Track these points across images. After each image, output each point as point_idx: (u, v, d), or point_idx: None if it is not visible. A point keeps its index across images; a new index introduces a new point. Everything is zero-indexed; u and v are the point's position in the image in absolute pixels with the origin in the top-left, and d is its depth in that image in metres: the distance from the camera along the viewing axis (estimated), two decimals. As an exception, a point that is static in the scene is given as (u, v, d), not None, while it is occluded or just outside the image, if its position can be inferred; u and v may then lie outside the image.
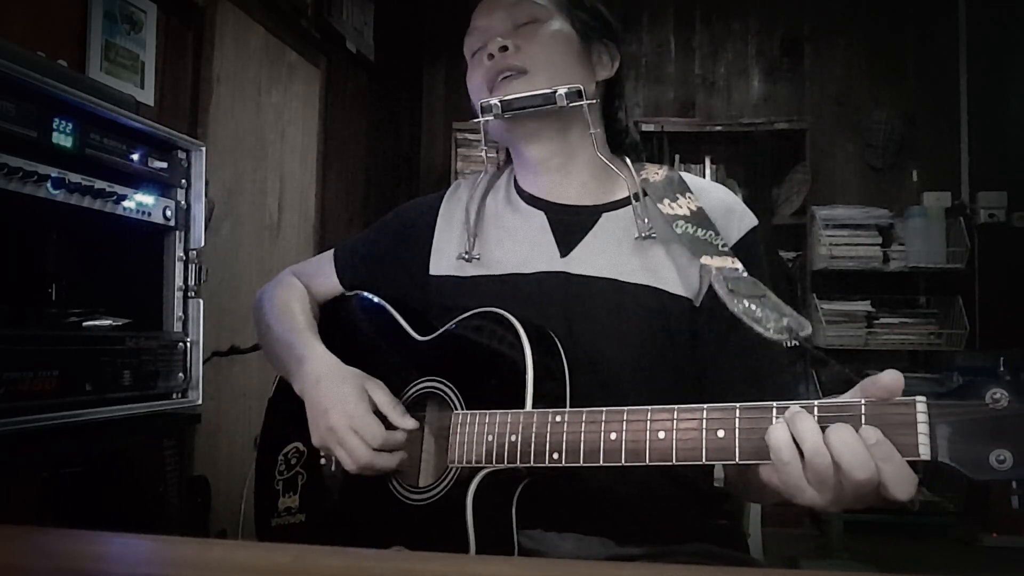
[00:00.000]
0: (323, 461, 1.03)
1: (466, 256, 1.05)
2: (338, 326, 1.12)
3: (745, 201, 1.08)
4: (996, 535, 3.13)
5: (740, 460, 0.71)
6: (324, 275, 1.18)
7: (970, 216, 3.73)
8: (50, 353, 1.19)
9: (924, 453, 0.65)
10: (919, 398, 0.66)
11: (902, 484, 0.65)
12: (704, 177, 3.74)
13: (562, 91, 0.98)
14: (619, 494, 0.92)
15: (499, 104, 1.00)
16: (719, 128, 3.86)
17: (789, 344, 0.83)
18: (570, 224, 1.04)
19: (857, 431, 0.66)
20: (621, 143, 1.12)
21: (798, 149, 3.76)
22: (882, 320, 3.65)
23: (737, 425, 0.72)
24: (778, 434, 0.69)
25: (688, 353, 0.98)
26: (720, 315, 0.90)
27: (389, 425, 0.93)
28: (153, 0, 2.09)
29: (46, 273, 1.44)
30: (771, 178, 3.87)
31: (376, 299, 1.11)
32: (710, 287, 0.94)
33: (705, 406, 0.74)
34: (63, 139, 1.24)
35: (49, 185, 1.21)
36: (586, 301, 0.98)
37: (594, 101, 1.03)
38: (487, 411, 0.86)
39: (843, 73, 4.00)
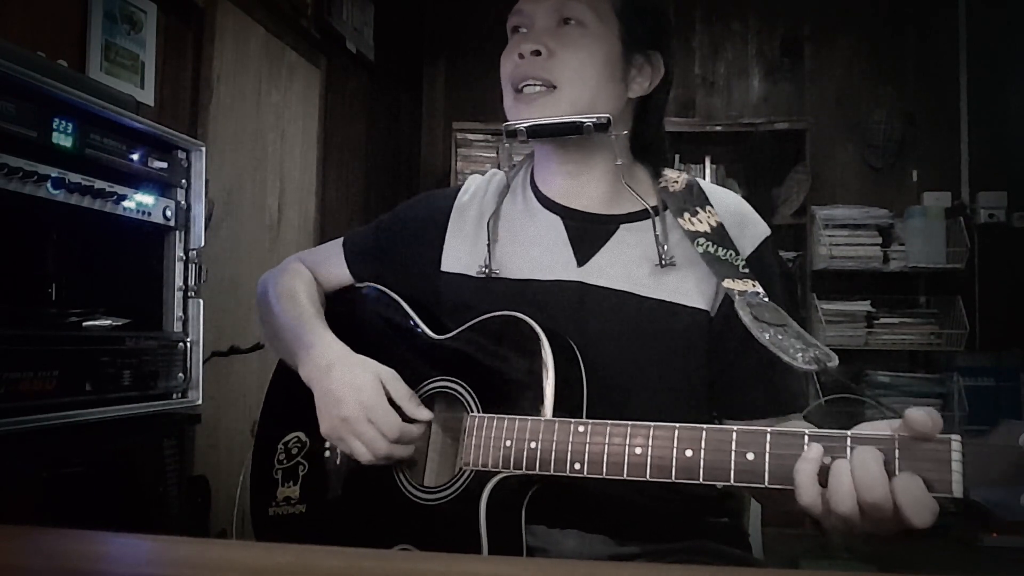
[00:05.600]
0: (327, 453, 1.02)
1: (486, 270, 1.03)
2: (347, 317, 1.10)
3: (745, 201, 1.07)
4: (996, 535, 3.13)
5: (769, 484, 0.71)
6: (333, 264, 1.16)
7: (970, 216, 3.73)
8: (50, 353, 1.19)
9: (957, 491, 0.65)
10: (954, 436, 0.66)
11: (921, 511, 0.65)
12: (704, 177, 3.74)
13: (590, 122, 0.96)
14: (620, 493, 0.91)
15: (524, 130, 0.98)
16: (719, 128, 3.86)
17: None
18: (587, 232, 1.02)
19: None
20: (646, 150, 1.08)
21: (798, 149, 3.76)
22: (882, 320, 3.65)
23: (768, 449, 0.72)
24: (809, 497, 0.69)
25: (702, 362, 0.98)
26: (735, 325, 0.90)
27: (404, 417, 0.92)
28: (153, 0, 2.09)
29: (46, 273, 1.44)
30: (771, 178, 3.87)
31: (389, 292, 1.09)
32: (726, 298, 0.94)
33: (735, 428, 0.74)
34: (63, 139, 1.24)
35: (49, 185, 1.21)
36: (602, 313, 0.97)
37: (624, 132, 1.02)
38: (505, 416, 0.86)
39: (843, 73, 4.00)
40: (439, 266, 1.08)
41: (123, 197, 1.36)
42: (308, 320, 1.05)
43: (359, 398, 0.92)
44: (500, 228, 1.06)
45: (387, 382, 0.94)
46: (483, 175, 1.15)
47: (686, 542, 0.96)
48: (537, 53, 0.99)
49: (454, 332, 0.98)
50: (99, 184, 1.30)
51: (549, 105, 0.98)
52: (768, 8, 4.08)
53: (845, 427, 0.71)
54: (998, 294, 3.67)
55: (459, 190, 1.14)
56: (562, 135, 0.98)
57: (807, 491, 0.69)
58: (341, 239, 1.19)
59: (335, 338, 1.01)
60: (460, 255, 1.07)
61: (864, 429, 0.71)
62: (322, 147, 3.13)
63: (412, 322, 1.04)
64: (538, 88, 0.99)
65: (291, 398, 1.04)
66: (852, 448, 0.69)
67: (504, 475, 0.85)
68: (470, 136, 3.80)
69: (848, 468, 0.68)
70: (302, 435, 1.06)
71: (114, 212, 1.35)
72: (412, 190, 4.10)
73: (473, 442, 0.87)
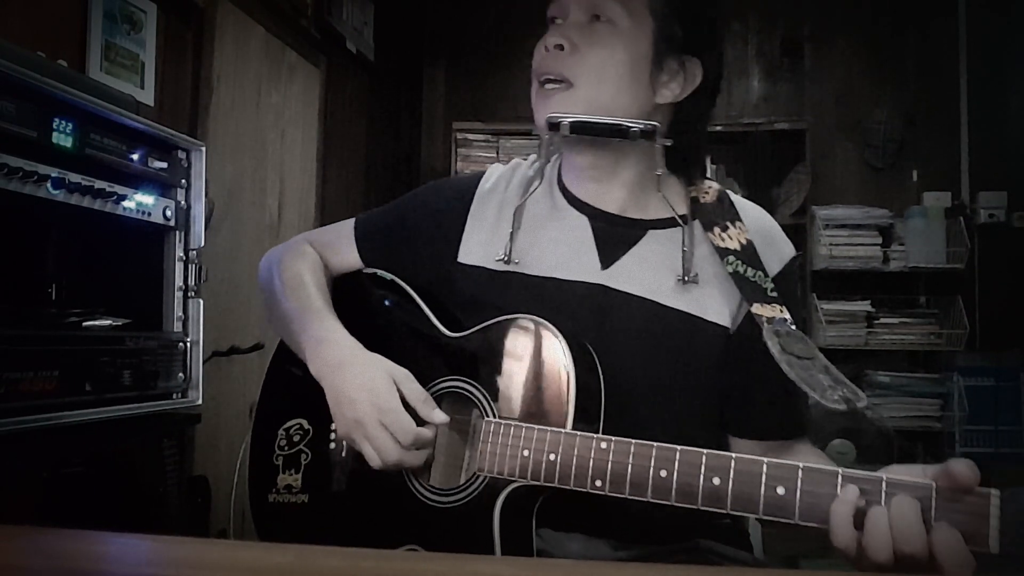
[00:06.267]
0: (332, 444, 1.00)
1: (505, 259, 1.00)
2: (354, 306, 1.06)
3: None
4: (996, 535, 3.12)
5: (800, 521, 0.70)
6: (343, 247, 1.12)
7: (970, 216, 3.73)
8: (50, 353, 1.19)
9: (994, 547, 0.65)
10: (994, 491, 0.65)
11: (960, 566, 0.64)
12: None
13: (637, 128, 0.94)
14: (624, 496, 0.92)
15: (568, 125, 0.95)
16: (719, 128, 3.84)
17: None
18: (614, 235, 1.00)
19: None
20: (680, 158, 1.04)
21: (798, 149, 3.76)
22: (882, 320, 3.65)
23: (800, 486, 0.71)
24: (844, 540, 0.68)
25: (717, 377, 0.97)
26: (755, 345, 0.89)
27: (418, 419, 0.90)
28: (153, 0, 2.09)
29: (46, 273, 1.44)
30: (771, 178, 3.87)
31: (399, 282, 1.06)
32: (748, 315, 0.93)
33: (765, 460, 0.73)
34: (63, 139, 1.24)
35: (49, 185, 1.21)
36: (622, 319, 0.96)
37: (668, 143, 0.98)
38: (523, 424, 0.85)
39: (843, 73, 4.00)
40: (456, 257, 1.05)
41: (123, 197, 1.36)
42: (317, 311, 1.02)
43: (373, 400, 0.89)
44: (524, 221, 1.03)
45: (401, 383, 0.91)
46: (505, 164, 1.11)
47: (687, 542, 0.96)
48: (560, 48, 0.97)
49: (469, 331, 0.96)
50: (99, 184, 1.30)
51: (565, 102, 0.96)
52: (768, 8, 4.08)
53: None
54: (998, 294, 3.66)
55: (480, 178, 1.10)
56: (606, 136, 0.96)
57: (843, 534, 0.68)
58: (352, 220, 1.14)
59: (346, 332, 0.98)
60: (479, 247, 1.04)
61: (896, 472, 0.69)
62: (322, 147, 3.13)
63: (424, 316, 1.01)
64: (555, 85, 0.97)
65: (292, 383, 1.02)
66: (888, 493, 0.68)
67: (519, 484, 0.84)
68: (470, 136, 3.80)
69: (886, 517, 0.67)
70: (304, 422, 1.03)
71: (114, 212, 1.35)
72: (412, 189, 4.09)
73: (488, 448, 0.86)
